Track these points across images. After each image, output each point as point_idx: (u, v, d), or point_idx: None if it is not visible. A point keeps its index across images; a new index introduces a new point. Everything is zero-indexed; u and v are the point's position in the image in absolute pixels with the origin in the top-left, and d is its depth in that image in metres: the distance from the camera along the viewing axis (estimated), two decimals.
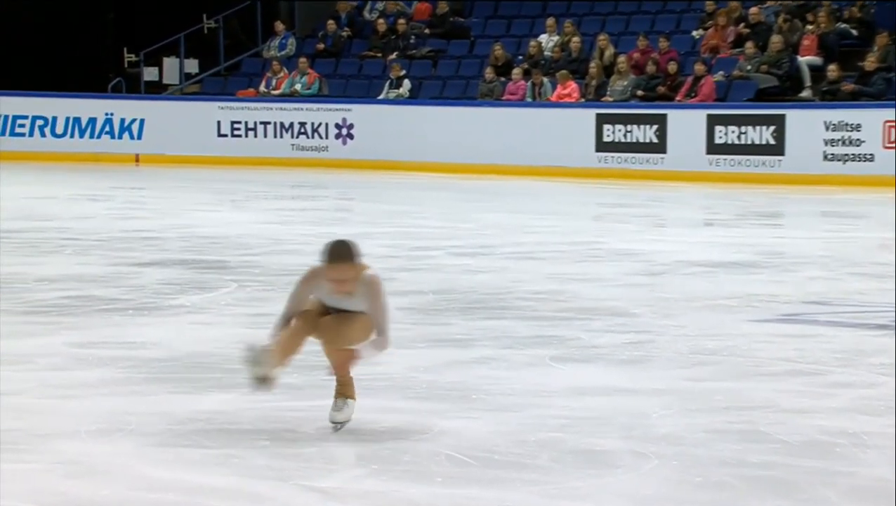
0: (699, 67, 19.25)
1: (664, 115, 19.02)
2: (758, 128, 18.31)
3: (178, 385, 5.29)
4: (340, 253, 4.38)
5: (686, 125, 18.83)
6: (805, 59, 19.21)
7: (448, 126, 20.11)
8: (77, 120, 22.00)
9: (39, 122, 22.08)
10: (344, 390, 4.54)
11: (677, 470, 4.18)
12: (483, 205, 15.35)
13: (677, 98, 19.32)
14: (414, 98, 21.30)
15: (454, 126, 20.08)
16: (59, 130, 22.05)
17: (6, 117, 22.10)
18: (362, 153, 20.58)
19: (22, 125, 22.12)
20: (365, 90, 21.92)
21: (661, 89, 19.52)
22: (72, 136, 22.02)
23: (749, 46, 19.33)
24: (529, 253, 10.17)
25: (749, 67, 19.26)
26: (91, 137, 22.00)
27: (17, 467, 4.09)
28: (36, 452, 4.27)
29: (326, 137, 21.01)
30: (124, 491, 3.89)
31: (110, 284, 8.14)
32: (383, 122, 20.55)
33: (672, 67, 19.57)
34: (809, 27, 19.55)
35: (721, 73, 19.48)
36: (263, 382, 4.39)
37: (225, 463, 4.18)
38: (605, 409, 4.96)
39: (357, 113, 20.86)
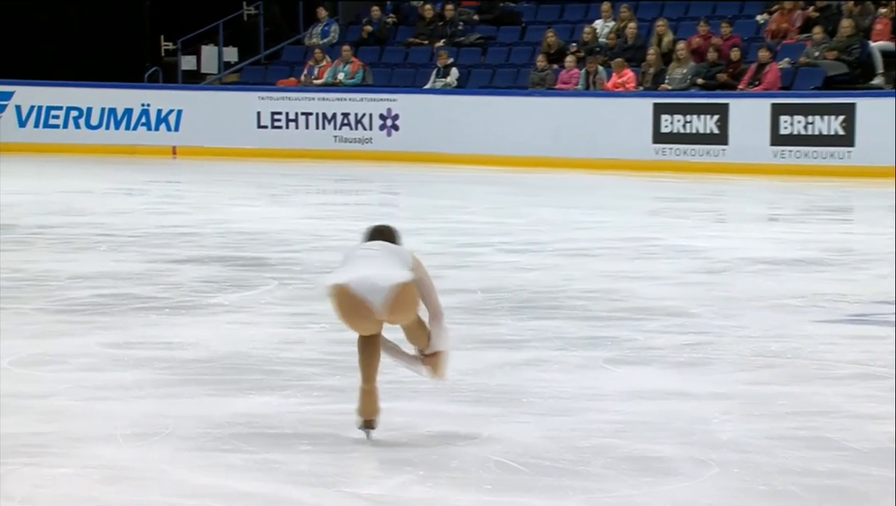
0: (763, 54, 19.11)
1: (726, 105, 18.89)
2: (826, 118, 18.15)
3: (216, 387, 5.32)
4: (378, 236, 4.44)
5: (749, 115, 18.69)
6: (877, 45, 19.01)
7: (497, 117, 20.09)
8: (112, 111, 22.20)
9: (74, 114, 22.30)
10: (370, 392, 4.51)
11: (739, 479, 4.16)
12: (534, 199, 15.33)
13: (740, 86, 19.19)
14: (462, 87, 21.30)
15: (504, 117, 20.06)
16: (94, 121, 22.26)
17: (39, 108, 22.34)
18: (408, 145, 20.61)
19: (56, 116, 22.35)
20: (411, 79, 21.95)
21: (723, 77, 19.39)
22: (107, 127, 22.23)
23: (817, 31, 19.16)
24: (582, 250, 10.15)
25: (817, 54, 19.09)
26: (127, 128, 22.19)
27: (50, 473, 4.13)
28: (69, 456, 4.32)
29: (370, 129, 21.06)
30: (160, 498, 3.92)
31: (146, 281, 8.21)
32: (430, 113, 20.57)
33: (734, 54, 19.43)
34: (882, 10, 19.34)
35: (787, 59, 19.32)
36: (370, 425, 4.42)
37: (265, 469, 4.21)
38: (662, 414, 4.94)
39: (402, 103, 20.89)
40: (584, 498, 3.97)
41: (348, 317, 4.39)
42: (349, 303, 4.35)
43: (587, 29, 21.21)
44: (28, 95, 22.35)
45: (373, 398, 4.40)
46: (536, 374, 5.65)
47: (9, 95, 22.32)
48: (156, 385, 5.35)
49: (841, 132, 18.06)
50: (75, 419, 4.78)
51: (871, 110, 17.95)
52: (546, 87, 20.52)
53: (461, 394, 5.22)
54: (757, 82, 19.05)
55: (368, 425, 4.45)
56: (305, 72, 22.33)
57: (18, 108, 22.35)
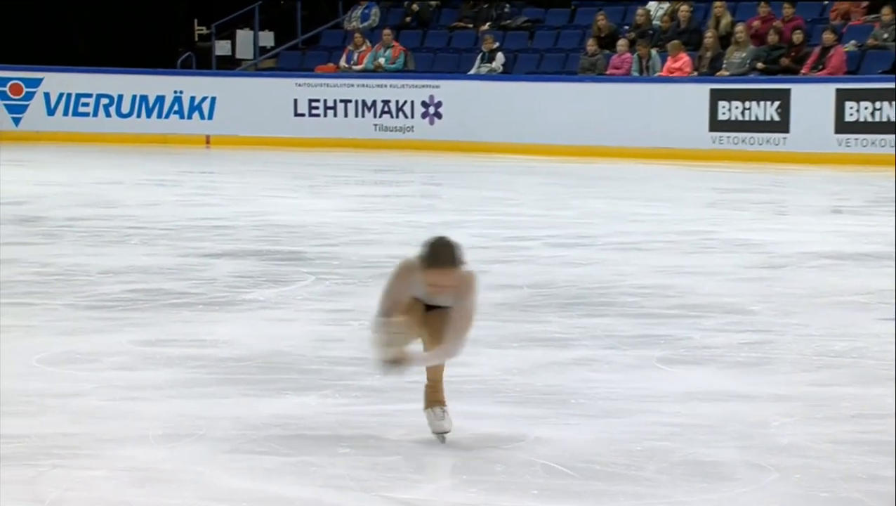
0: (828, 36, 18.96)
1: (787, 91, 18.77)
2: (894, 104, 17.99)
3: (251, 387, 5.36)
4: (444, 258, 4.31)
5: (812, 101, 18.56)
6: None
7: (545, 104, 20.06)
8: (144, 98, 22.35)
9: (104, 101, 22.47)
10: (439, 397, 4.53)
11: (800, 485, 4.14)
12: (583, 191, 15.30)
13: (802, 71, 19.05)
14: (508, 73, 21.28)
15: (552, 104, 20.02)
16: (125, 109, 22.42)
17: (69, 96, 22.53)
18: (451, 134, 20.61)
19: (85, 104, 22.53)
20: (454, 65, 21.96)
21: (785, 61, 19.26)
22: (138, 115, 22.38)
23: (886, 12, 18.98)
24: (635, 244, 10.13)
25: (885, 36, 18.91)
26: (158, 116, 22.33)
27: (80, 475, 4.18)
28: (100, 458, 4.36)
29: (412, 117, 21.09)
30: (194, 501, 3.96)
31: (179, 276, 8.27)
32: (474, 100, 20.57)
33: (797, 37, 19.29)
34: None
35: (853, 42, 19.16)
36: (395, 364, 4.37)
37: (302, 472, 4.23)
38: (719, 416, 4.93)
39: (446, 90, 20.90)
40: (636, 504, 3.97)
41: None
42: None
43: (640, 11, 21.13)
44: (57, 82, 22.55)
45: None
46: (586, 374, 5.65)
47: (37, 82, 22.53)
48: (189, 385, 5.39)
49: None
50: (106, 420, 4.83)
51: None
52: (596, 72, 20.46)
53: (506, 394, 5.23)
54: (821, 66, 18.90)
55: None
56: (344, 57, 22.38)
57: (47, 95, 22.55)
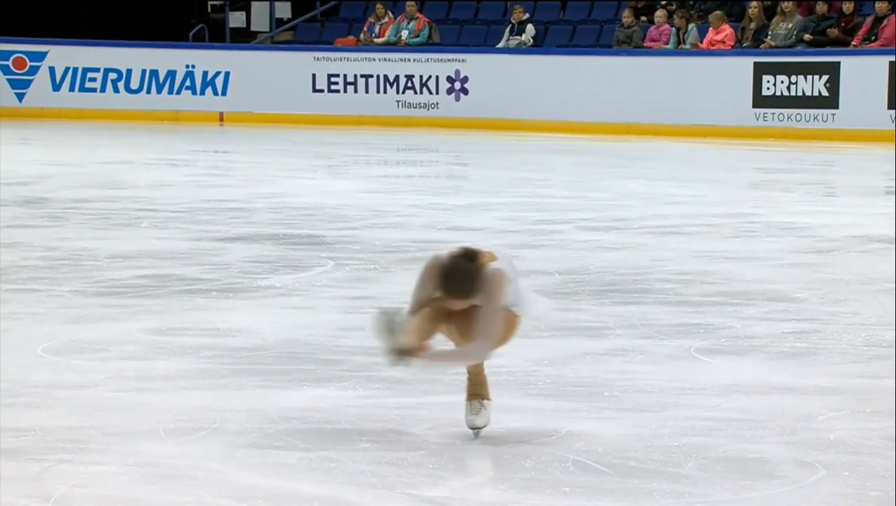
0: (881, 5, 18.85)
1: (836, 64, 18.68)
2: None
3: (267, 378, 5.38)
4: (459, 288, 4.30)
5: (863, 75, 18.47)
6: None
7: (578, 79, 20.02)
8: (154, 73, 22.42)
9: (112, 76, 22.55)
10: (479, 390, 4.55)
11: (850, 483, 4.14)
12: (619, 171, 15.28)
13: (853, 43, 18.95)
14: (538, 47, 21.24)
15: (585, 79, 19.99)
16: (134, 84, 22.49)
17: (75, 70, 22.62)
18: (478, 111, 20.60)
19: (93, 79, 22.62)
20: (482, 37, 21.93)
21: (834, 32, 19.16)
22: (148, 91, 22.46)
23: None
24: (673, 227, 10.11)
25: None
26: (170, 92, 22.40)
27: (89, 470, 4.21)
28: (109, 452, 4.39)
29: (437, 93, 21.08)
30: (208, 498, 3.98)
31: (191, 261, 8.30)
32: (503, 75, 20.55)
33: (847, 6, 19.19)
34: None
35: None
36: (401, 355, 4.38)
37: (321, 468, 4.25)
38: (762, 410, 4.92)
39: (472, 64, 20.88)
40: (673, 503, 3.97)
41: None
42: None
43: None
44: (62, 56, 22.63)
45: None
46: (621, 365, 5.65)
47: (42, 56, 22.62)
48: (202, 376, 5.42)
49: None
50: (115, 413, 4.85)
51: None
52: (633, 45, 20.40)
53: (537, 387, 5.23)
54: (873, 38, 18.79)
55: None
56: (365, 29, 22.38)
57: (52, 69, 22.64)
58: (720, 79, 19.31)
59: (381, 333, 4.35)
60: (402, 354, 4.36)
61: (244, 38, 24.23)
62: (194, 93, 22.31)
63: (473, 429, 4.53)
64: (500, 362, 4.74)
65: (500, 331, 4.40)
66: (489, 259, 4.40)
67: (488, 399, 4.55)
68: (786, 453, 4.41)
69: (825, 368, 5.64)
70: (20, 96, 22.64)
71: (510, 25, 21.42)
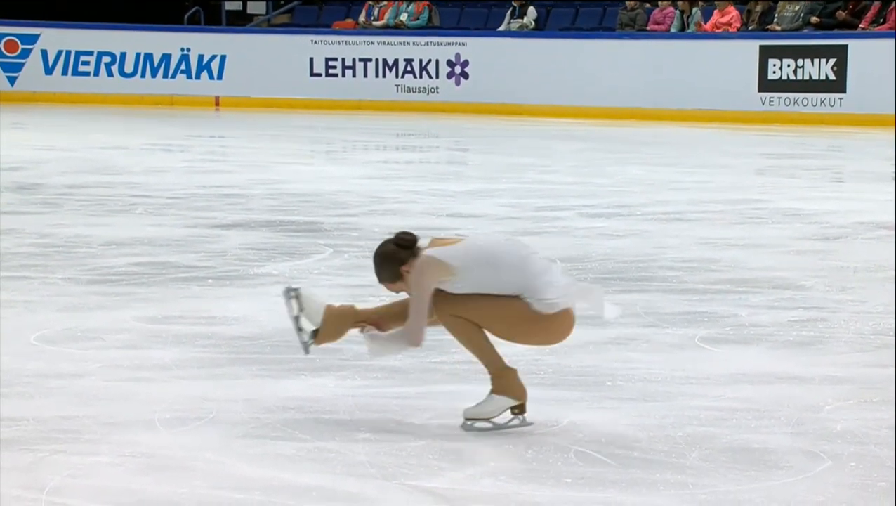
0: None
1: (844, 47, 18.66)
2: None
3: (265, 367, 5.39)
4: (376, 271, 4.55)
5: (871, 59, 18.45)
6: None
7: (581, 63, 20.00)
8: (148, 57, 22.40)
9: (105, 60, 22.53)
10: (493, 385, 4.53)
11: (856, 474, 4.14)
12: (622, 156, 15.27)
13: (861, 26, 18.93)
14: (540, 30, 21.22)
15: (588, 63, 19.96)
16: (128, 68, 22.47)
17: (68, 53, 22.60)
18: (479, 95, 20.59)
19: (86, 63, 22.59)
20: (482, 20, 21.90)
21: (842, 15, 19.14)
22: (142, 75, 22.43)
23: None
24: (677, 214, 10.11)
25: None
26: (164, 76, 22.38)
27: (83, 461, 4.21)
28: (104, 443, 4.39)
29: (437, 77, 21.06)
30: (205, 489, 3.99)
31: (187, 249, 8.31)
32: (504, 59, 20.52)
33: None
34: None
35: None
36: (311, 338, 4.55)
37: (319, 459, 4.26)
38: (768, 400, 4.93)
39: (473, 48, 20.86)
40: (677, 494, 3.98)
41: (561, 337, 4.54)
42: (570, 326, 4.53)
43: None
44: (55, 39, 22.61)
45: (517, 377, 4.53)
46: (624, 354, 5.66)
47: (34, 39, 22.60)
48: (198, 365, 5.42)
49: None
50: (110, 402, 4.86)
51: None
52: (636, 28, 20.38)
53: (538, 376, 5.24)
54: (881, 20, 18.76)
55: (522, 409, 4.52)
56: (364, 12, 22.36)
57: (44, 53, 22.62)
58: (725, 62, 19.28)
59: (291, 310, 4.56)
60: (312, 336, 4.57)
61: (240, 21, 24.20)
62: (190, 77, 22.29)
63: (465, 419, 4.52)
64: (500, 352, 4.74)
65: (505, 318, 4.42)
66: (439, 244, 4.45)
67: (501, 393, 4.51)
68: (791, 444, 4.41)
69: (832, 358, 5.65)
70: (12, 80, 22.62)
71: (511, 8, 21.39)
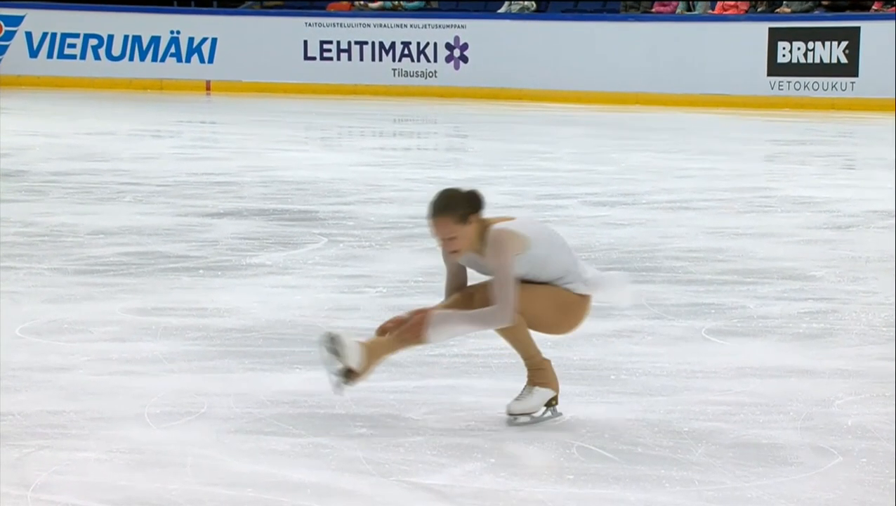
0: None
1: (856, 29, 18.64)
2: None
3: (258, 361, 5.39)
4: (436, 205, 4.45)
5: (884, 41, 18.43)
6: None
7: (583, 46, 19.98)
8: (137, 39, 22.37)
9: (92, 42, 22.49)
10: (532, 377, 4.56)
11: (868, 470, 4.15)
12: (626, 143, 15.27)
13: (874, 7, 18.92)
14: (542, 12, 21.19)
15: (591, 46, 19.95)
16: (116, 51, 22.45)
17: (53, 36, 22.57)
18: (479, 79, 20.57)
19: (72, 45, 22.57)
20: (482, 2, 21.87)
21: None
22: (131, 58, 22.41)
23: None
24: (683, 202, 10.12)
25: None
26: (153, 60, 22.35)
27: (72, 457, 4.22)
28: (92, 438, 4.40)
29: (435, 61, 21.04)
30: (197, 486, 3.99)
31: (177, 238, 8.31)
32: (504, 42, 20.50)
33: None
34: None
35: None
36: (347, 376, 4.47)
37: (314, 454, 4.26)
38: (777, 394, 4.94)
39: (472, 30, 20.84)
40: (682, 491, 3.99)
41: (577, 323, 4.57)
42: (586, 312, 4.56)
43: None
44: (40, 21, 22.57)
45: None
46: (628, 347, 5.66)
47: (18, 20, 22.56)
48: (189, 358, 5.43)
49: None
50: (98, 397, 4.87)
51: None
52: (641, 10, 20.36)
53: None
54: (895, 2, 18.75)
55: (555, 401, 4.55)
56: None
57: (29, 35, 22.59)
58: (733, 45, 19.27)
59: (325, 356, 4.44)
60: (349, 375, 4.46)
61: (232, 3, 24.14)
62: (179, 60, 22.27)
63: (509, 415, 4.54)
64: (499, 345, 4.75)
65: (548, 307, 4.45)
66: (498, 221, 4.46)
67: (546, 387, 4.53)
68: (801, 439, 4.42)
69: (842, 350, 5.65)
70: None
71: None
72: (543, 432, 4.48)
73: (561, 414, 4.57)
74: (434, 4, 21.87)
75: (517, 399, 4.55)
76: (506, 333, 4.52)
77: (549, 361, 4.58)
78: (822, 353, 5.60)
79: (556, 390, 4.58)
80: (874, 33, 18.59)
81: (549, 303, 4.50)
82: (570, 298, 4.52)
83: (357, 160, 13.16)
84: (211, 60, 22.15)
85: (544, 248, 4.48)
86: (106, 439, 4.38)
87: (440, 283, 4.68)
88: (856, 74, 18.67)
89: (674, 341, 5.78)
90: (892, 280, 7.07)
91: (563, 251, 4.52)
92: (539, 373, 4.56)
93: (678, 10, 20.20)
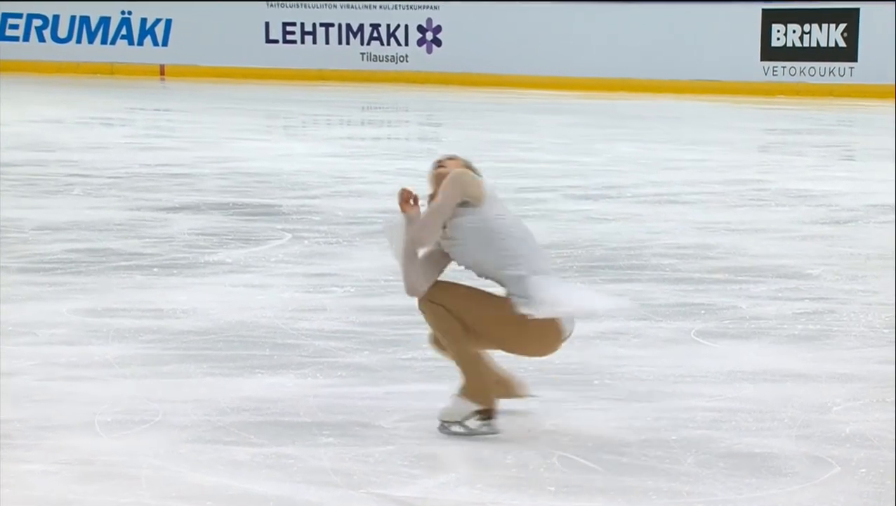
0: None
1: (855, 11, 18.72)
2: None
3: (217, 365, 5.39)
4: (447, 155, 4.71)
5: (885, 24, 18.51)
6: None
7: (565, 29, 20.01)
8: (85, 20, 22.30)
9: (36, 23, 22.42)
10: (462, 385, 4.55)
11: (867, 480, 4.17)
12: (611, 132, 15.29)
13: None
14: None
15: (573, 29, 19.97)
16: (62, 32, 22.37)
17: None
18: (453, 64, 20.58)
19: (15, 26, 22.48)
20: None
21: None
22: (78, 41, 22.33)
23: None
24: (672, 195, 10.14)
25: None
26: (103, 42, 22.29)
27: (16, 468, 4.21)
28: (39, 449, 4.39)
29: (406, 44, 21.04)
30: (151, 500, 3.99)
31: (130, 234, 8.30)
32: (480, 24, 20.52)
33: None
34: None
35: None
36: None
37: (277, 465, 4.27)
38: (771, 400, 4.95)
39: (446, 12, 20.85)
40: (671, 503, 4.00)
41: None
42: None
43: None
44: None
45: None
46: (613, 349, 5.67)
47: None
48: (143, 362, 5.42)
49: None
50: (44, 404, 4.86)
51: None
52: None
53: (519, 374, 5.25)
54: None
55: (489, 415, 4.56)
56: None
57: None
58: (724, 28, 19.32)
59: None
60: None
61: None
62: (131, 43, 22.21)
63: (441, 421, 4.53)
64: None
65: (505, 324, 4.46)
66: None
67: (458, 396, 4.52)
68: (796, 448, 4.44)
69: (840, 353, 5.67)
70: None
71: None
72: (523, 441, 4.49)
73: (498, 432, 4.52)
74: None
75: (445, 404, 4.54)
76: (441, 334, 4.52)
77: (488, 373, 4.54)
78: (818, 356, 5.62)
79: (486, 403, 4.52)
80: (874, 15, 18.67)
81: (493, 311, 4.47)
82: (518, 315, 4.47)
83: (323, 151, 13.15)
84: (165, 43, 22.10)
85: (497, 217, 4.50)
86: (53, 449, 4.37)
87: None
88: (855, 59, 18.74)
89: (661, 344, 5.80)
90: (892, 279, 7.10)
91: (521, 242, 4.49)
92: (470, 386, 4.52)
93: None
